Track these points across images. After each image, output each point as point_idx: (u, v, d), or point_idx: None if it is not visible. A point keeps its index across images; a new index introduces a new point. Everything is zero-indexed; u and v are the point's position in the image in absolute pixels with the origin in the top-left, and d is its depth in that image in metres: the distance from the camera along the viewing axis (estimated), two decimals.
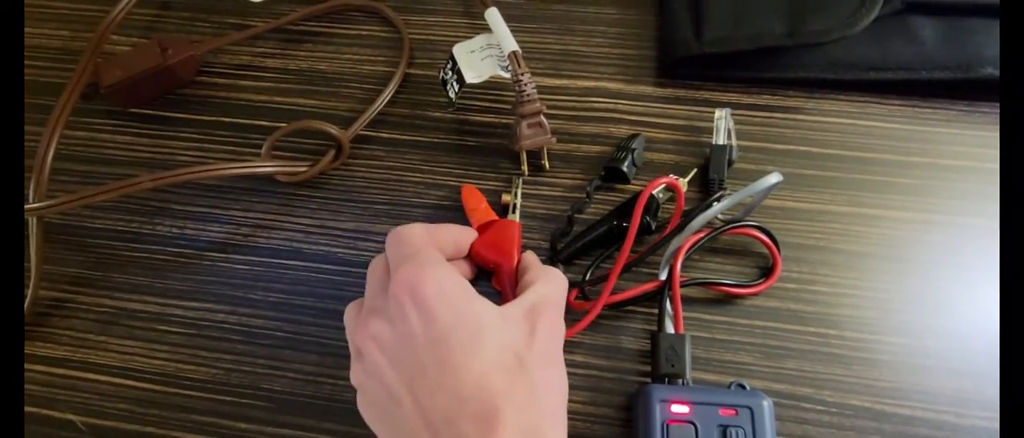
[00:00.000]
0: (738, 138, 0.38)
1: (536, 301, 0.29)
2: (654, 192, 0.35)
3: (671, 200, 0.36)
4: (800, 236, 0.36)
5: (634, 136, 0.38)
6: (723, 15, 0.38)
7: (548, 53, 0.42)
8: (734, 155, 0.37)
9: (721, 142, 0.37)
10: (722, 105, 0.38)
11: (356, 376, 0.29)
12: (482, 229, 0.36)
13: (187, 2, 0.46)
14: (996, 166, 0.37)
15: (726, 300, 0.35)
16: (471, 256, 0.35)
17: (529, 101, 0.36)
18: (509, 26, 0.42)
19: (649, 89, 0.40)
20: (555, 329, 0.29)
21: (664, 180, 0.35)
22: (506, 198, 0.37)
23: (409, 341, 0.26)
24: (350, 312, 0.30)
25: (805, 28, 0.37)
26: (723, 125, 0.37)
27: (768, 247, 0.35)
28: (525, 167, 0.38)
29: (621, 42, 0.42)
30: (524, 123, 0.36)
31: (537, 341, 0.27)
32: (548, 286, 0.30)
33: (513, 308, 0.28)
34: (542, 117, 0.36)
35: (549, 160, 0.38)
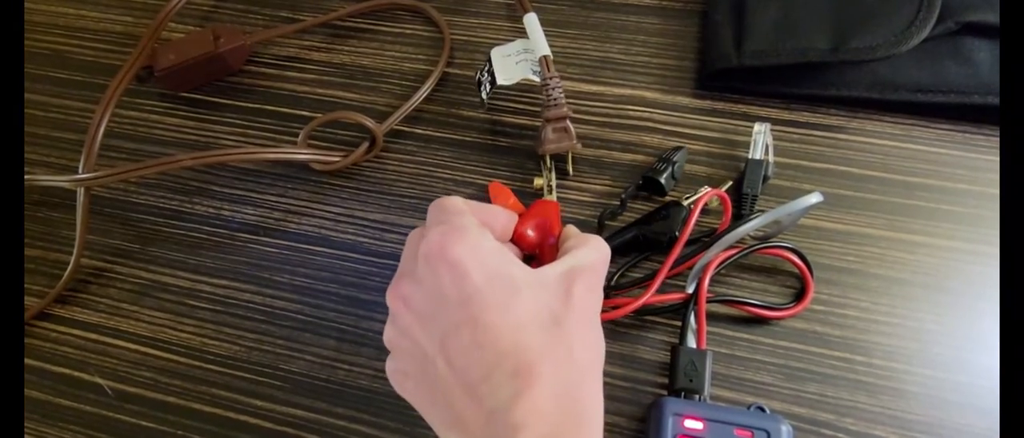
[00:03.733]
0: (775, 154, 0.37)
1: (575, 264, 0.28)
2: (684, 203, 0.35)
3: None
4: (834, 258, 0.35)
5: (677, 149, 0.37)
6: (766, 28, 0.37)
7: (587, 59, 0.42)
8: (770, 171, 0.36)
9: (758, 157, 0.36)
10: (760, 120, 0.38)
11: (388, 338, 0.28)
12: (522, 215, 0.36)
13: None
14: None
15: (751, 318, 0.34)
16: (515, 241, 0.33)
17: (556, 106, 0.36)
18: (550, 31, 0.43)
19: (686, 100, 0.40)
20: (593, 292, 0.28)
21: (713, 192, 0.34)
22: (538, 182, 0.37)
23: (440, 300, 0.26)
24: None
25: (850, 45, 0.36)
26: (761, 140, 0.36)
27: (801, 270, 0.34)
28: (549, 172, 0.37)
29: (661, 52, 0.42)
30: (549, 127, 0.36)
31: (574, 302, 0.26)
32: (589, 252, 0.29)
33: (550, 269, 0.27)
34: (568, 122, 0.36)
35: (578, 165, 0.38)
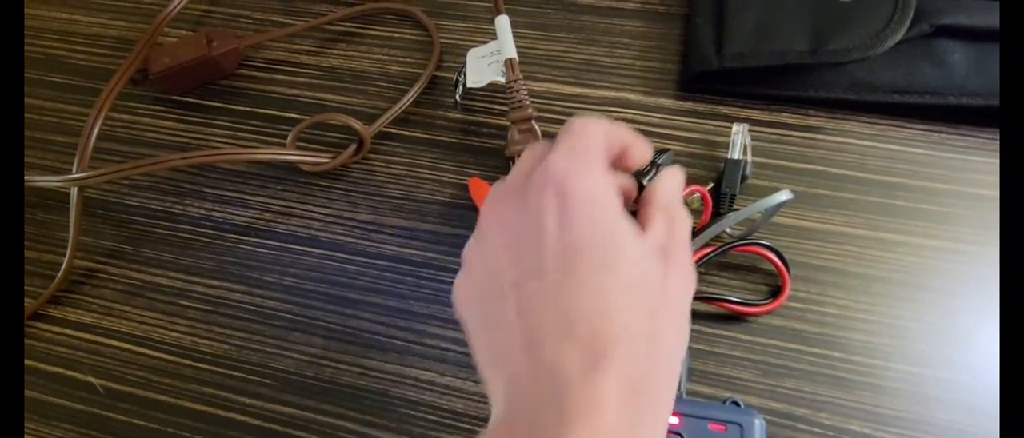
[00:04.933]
0: (755, 155, 0.37)
1: (672, 244, 0.25)
2: None
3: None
4: (812, 256, 0.35)
5: (663, 151, 0.37)
6: (745, 31, 0.38)
7: (571, 62, 0.43)
8: (748, 171, 0.37)
9: (736, 156, 0.36)
10: (740, 121, 0.38)
11: (469, 251, 0.26)
12: None
13: (236, 0, 0.49)
14: None
15: (730, 315, 0.34)
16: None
17: (520, 107, 0.37)
18: (536, 34, 0.44)
19: (668, 102, 0.41)
20: (688, 279, 0.25)
21: (694, 188, 0.35)
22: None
23: (537, 236, 0.23)
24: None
25: (827, 47, 0.36)
26: (739, 140, 0.37)
27: (777, 267, 0.34)
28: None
29: (644, 54, 0.43)
30: (516, 129, 0.37)
31: (670, 290, 0.24)
32: (684, 226, 0.26)
33: (651, 239, 0.25)
34: (533, 123, 0.37)
35: None
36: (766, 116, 0.39)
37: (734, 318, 0.34)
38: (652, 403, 0.23)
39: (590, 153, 0.25)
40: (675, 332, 0.24)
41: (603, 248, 0.23)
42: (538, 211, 0.24)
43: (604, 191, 0.24)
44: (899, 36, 0.35)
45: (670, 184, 0.27)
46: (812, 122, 0.39)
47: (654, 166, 0.35)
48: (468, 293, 0.26)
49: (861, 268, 0.35)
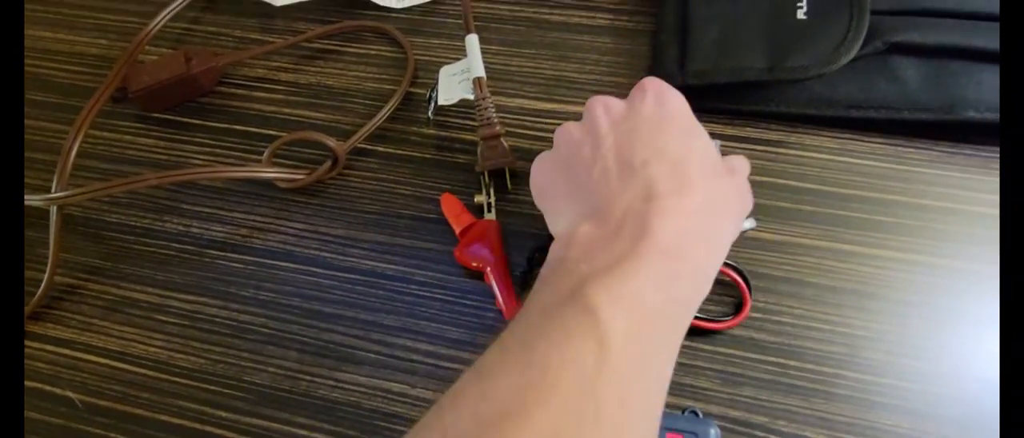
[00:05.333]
0: None
1: (735, 168, 0.32)
2: None
3: None
4: (770, 267, 0.36)
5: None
6: (707, 48, 0.39)
7: (542, 78, 0.44)
8: None
9: None
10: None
11: (565, 135, 0.32)
12: (463, 233, 0.38)
13: (214, 18, 0.49)
14: (978, 209, 0.37)
15: (692, 328, 0.35)
16: (457, 260, 0.37)
17: (488, 124, 0.38)
18: (509, 50, 0.45)
19: None
20: (745, 194, 0.32)
21: None
22: (479, 198, 0.39)
23: (636, 112, 0.30)
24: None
25: (785, 63, 0.37)
26: None
27: (738, 284, 0.35)
28: (488, 188, 0.39)
29: (614, 70, 0.44)
30: (485, 145, 0.38)
31: (730, 187, 0.30)
32: (745, 174, 0.33)
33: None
34: (501, 140, 0.38)
35: (513, 181, 0.40)
36: (729, 130, 0.40)
37: (696, 330, 0.35)
38: (717, 229, 0.28)
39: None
40: (731, 221, 0.30)
41: (690, 121, 0.30)
42: (640, 100, 0.31)
43: (687, 103, 0.31)
44: (853, 53, 0.36)
45: (740, 159, 0.33)
46: (773, 136, 0.40)
47: None
48: (554, 164, 0.32)
49: (817, 278, 0.36)
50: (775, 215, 0.38)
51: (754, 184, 0.38)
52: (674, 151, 0.28)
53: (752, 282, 0.35)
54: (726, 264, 0.35)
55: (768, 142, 0.40)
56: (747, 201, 0.32)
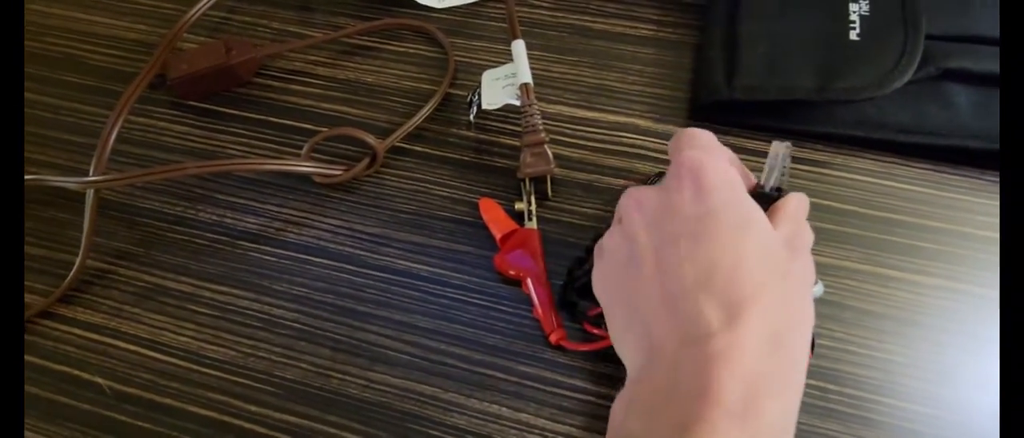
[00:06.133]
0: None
1: (797, 242, 0.27)
2: None
3: None
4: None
5: (661, 175, 0.38)
6: (757, 64, 0.39)
7: (584, 86, 0.44)
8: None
9: (772, 184, 0.31)
10: (748, 152, 0.39)
11: (606, 241, 0.29)
12: (504, 240, 0.37)
13: (251, 8, 0.49)
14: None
15: None
16: (496, 269, 0.36)
17: (533, 131, 0.38)
18: (550, 57, 0.44)
19: (677, 129, 0.41)
20: (811, 272, 0.28)
21: None
22: (519, 206, 0.38)
23: (674, 209, 0.26)
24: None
25: (836, 85, 0.37)
26: (779, 164, 0.31)
27: None
28: (529, 195, 0.39)
29: (656, 81, 0.43)
30: (528, 152, 0.38)
31: (795, 272, 0.26)
32: (808, 237, 0.29)
33: (779, 231, 0.27)
34: (545, 147, 0.38)
35: (570, 189, 0.39)
36: None
37: None
38: (789, 360, 0.24)
39: (717, 148, 0.29)
40: (805, 298, 0.26)
41: (737, 212, 0.26)
42: (676, 190, 0.27)
43: (732, 172, 0.27)
44: (906, 78, 0.36)
45: (797, 202, 0.29)
46: (818, 156, 0.40)
47: (778, 190, 0.32)
48: (605, 275, 0.29)
49: (857, 302, 0.36)
50: (817, 236, 0.37)
51: None
52: (723, 264, 0.24)
53: None
54: None
55: (813, 162, 0.39)
56: (811, 281, 0.28)
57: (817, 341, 0.35)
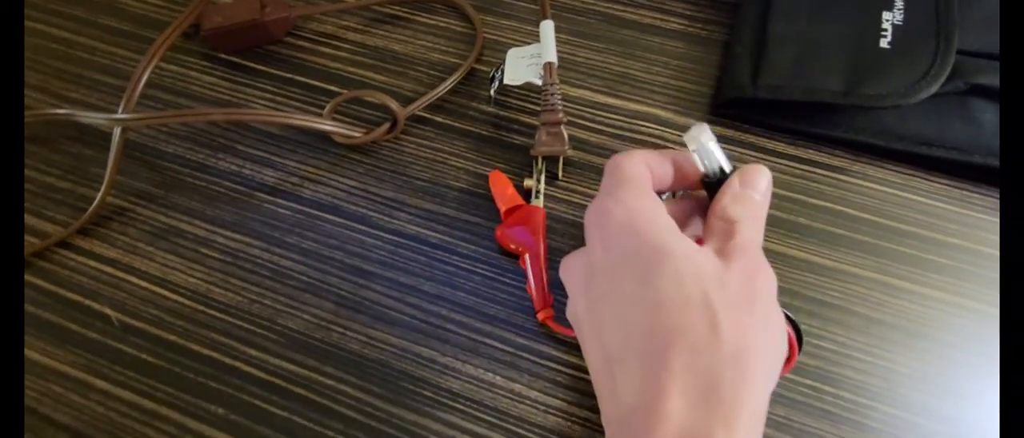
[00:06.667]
0: (774, 185, 0.38)
1: (740, 241, 0.24)
2: None
3: None
4: (818, 291, 0.36)
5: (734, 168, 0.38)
6: (783, 64, 0.39)
7: (608, 72, 0.44)
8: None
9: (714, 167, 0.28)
10: (767, 152, 0.39)
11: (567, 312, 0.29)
12: (508, 214, 0.38)
13: None
14: None
15: None
16: (497, 239, 0.37)
17: (551, 110, 0.38)
18: (577, 41, 0.45)
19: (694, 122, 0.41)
20: (757, 274, 0.24)
21: None
22: (528, 183, 0.39)
23: (593, 269, 0.25)
24: None
25: (861, 90, 0.37)
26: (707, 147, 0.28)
27: (790, 339, 0.30)
28: (540, 174, 0.39)
29: (680, 74, 0.43)
30: (544, 130, 0.38)
31: (731, 278, 0.23)
32: (747, 228, 0.25)
33: (707, 244, 0.25)
34: (562, 128, 0.38)
35: (586, 172, 0.40)
36: (792, 150, 0.40)
37: None
38: (737, 390, 0.21)
39: (627, 182, 0.26)
40: (746, 317, 0.22)
41: (643, 258, 0.23)
42: (590, 249, 0.26)
43: (640, 212, 0.25)
44: (934, 89, 0.36)
45: (734, 190, 0.26)
46: (837, 162, 0.39)
47: (724, 175, 0.30)
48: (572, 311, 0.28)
49: (864, 309, 0.35)
50: (829, 241, 0.37)
51: (809, 206, 0.38)
52: (638, 318, 0.23)
53: (797, 303, 0.35)
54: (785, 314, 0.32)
55: (830, 167, 0.39)
56: (761, 295, 0.24)
57: (805, 335, 0.33)
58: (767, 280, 0.25)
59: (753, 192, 0.26)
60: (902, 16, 0.39)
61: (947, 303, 0.35)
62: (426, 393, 0.34)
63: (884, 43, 0.38)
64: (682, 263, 0.23)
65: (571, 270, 0.27)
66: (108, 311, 0.37)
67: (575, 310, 0.27)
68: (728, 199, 0.26)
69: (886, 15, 0.39)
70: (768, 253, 0.35)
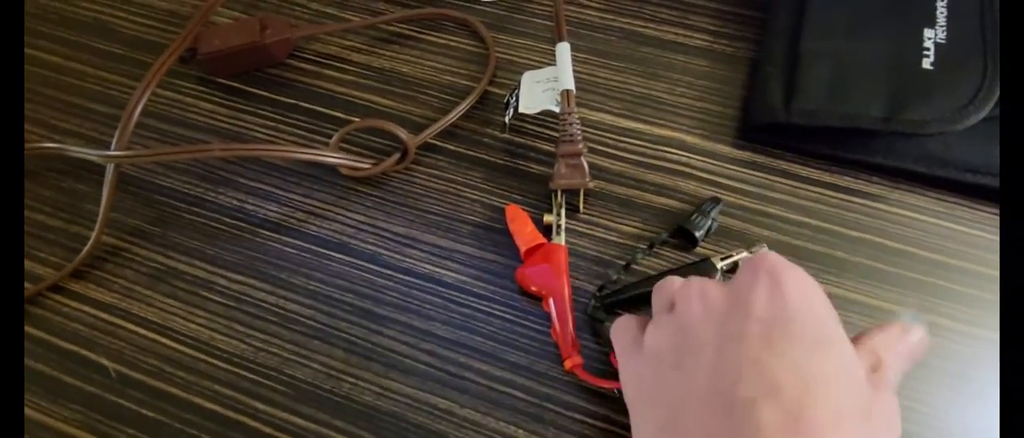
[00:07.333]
0: (810, 217, 0.36)
1: (877, 377, 0.24)
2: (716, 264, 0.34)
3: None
4: (853, 328, 0.34)
5: (715, 201, 0.36)
6: (818, 87, 0.37)
7: (629, 94, 0.41)
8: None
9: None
10: (800, 179, 0.37)
11: (648, 334, 0.26)
12: (528, 254, 0.35)
13: None
14: None
15: None
16: (517, 281, 0.35)
17: (570, 141, 0.36)
18: (595, 60, 0.42)
19: (726, 149, 0.39)
20: (894, 409, 0.24)
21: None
22: (548, 219, 0.36)
23: (745, 307, 0.23)
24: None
25: (903, 116, 0.35)
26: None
27: None
28: (560, 208, 0.37)
29: (706, 95, 0.41)
30: (563, 163, 0.36)
31: (880, 400, 0.23)
32: (891, 374, 0.25)
33: (861, 358, 0.24)
34: (582, 159, 0.36)
35: (608, 203, 0.37)
36: (826, 177, 0.38)
37: None
38: None
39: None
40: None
41: (819, 325, 0.23)
42: (748, 288, 0.24)
43: (819, 290, 0.24)
44: (983, 114, 0.34)
45: (886, 335, 0.26)
46: (874, 190, 0.37)
47: (706, 217, 0.35)
48: (641, 370, 0.26)
49: None
50: (866, 275, 0.35)
51: (846, 239, 0.36)
52: (792, 385, 0.21)
53: None
54: None
55: (868, 195, 0.37)
56: (897, 426, 0.24)
57: None
58: (897, 429, 0.25)
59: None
60: (945, 34, 0.36)
61: (987, 341, 0.33)
62: None
63: (927, 63, 0.36)
64: (851, 359, 0.23)
65: (709, 296, 0.25)
66: (105, 362, 0.35)
67: (690, 336, 0.24)
68: (883, 337, 0.26)
69: (928, 32, 0.37)
70: None
